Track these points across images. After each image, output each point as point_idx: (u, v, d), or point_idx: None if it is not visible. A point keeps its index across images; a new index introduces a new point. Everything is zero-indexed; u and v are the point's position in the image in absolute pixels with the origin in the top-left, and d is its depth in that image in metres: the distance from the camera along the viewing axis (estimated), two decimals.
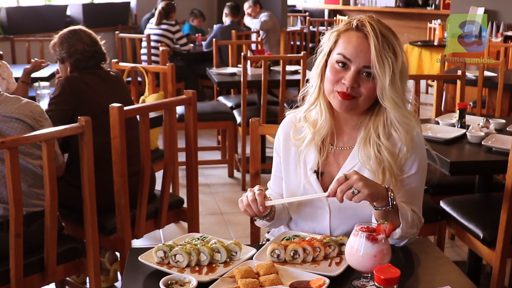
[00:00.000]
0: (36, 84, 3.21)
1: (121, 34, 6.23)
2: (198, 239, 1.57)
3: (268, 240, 1.79)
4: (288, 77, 4.39)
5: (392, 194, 1.44)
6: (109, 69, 2.84)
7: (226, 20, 6.75)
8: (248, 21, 6.97)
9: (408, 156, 1.58)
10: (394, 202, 1.44)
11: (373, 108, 1.59)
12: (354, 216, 1.60)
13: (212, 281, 1.37)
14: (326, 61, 1.58)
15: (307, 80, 1.67)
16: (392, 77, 1.49)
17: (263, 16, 6.91)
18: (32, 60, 3.58)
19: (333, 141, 1.65)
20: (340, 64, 1.53)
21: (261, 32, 6.74)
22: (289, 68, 4.71)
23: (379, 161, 1.56)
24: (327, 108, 1.61)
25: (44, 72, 4.63)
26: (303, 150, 1.65)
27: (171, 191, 2.78)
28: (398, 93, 1.52)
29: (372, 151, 1.56)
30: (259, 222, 1.67)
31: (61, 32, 2.72)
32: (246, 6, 7.07)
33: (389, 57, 1.49)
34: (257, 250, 1.52)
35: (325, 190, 1.62)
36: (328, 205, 1.64)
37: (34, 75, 3.89)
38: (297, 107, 1.74)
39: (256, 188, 1.53)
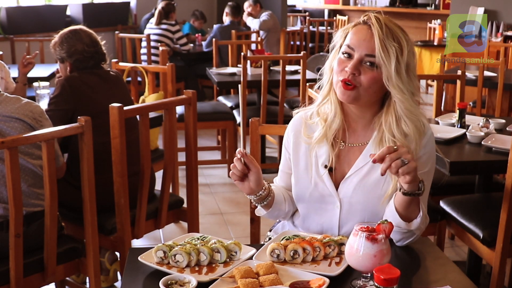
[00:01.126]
0: (36, 84, 3.21)
1: (121, 34, 6.23)
2: (198, 239, 1.57)
3: (270, 238, 1.79)
4: (288, 77, 4.39)
5: (421, 179, 1.45)
6: (109, 69, 2.84)
7: (226, 20, 6.75)
8: (249, 21, 6.97)
9: (422, 154, 1.60)
10: (423, 189, 1.46)
11: (382, 106, 1.61)
12: (364, 211, 1.62)
13: (212, 281, 1.37)
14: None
15: (320, 77, 1.70)
16: (397, 65, 1.52)
17: (264, 16, 6.91)
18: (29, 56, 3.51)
19: (345, 138, 1.67)
20: (345, 54, 1.57)
21: (261, 32, 6.74)
22: (289, 68, 4.71)
23: None
24: (337, 103, 1.64)
25: (44, 72, 4.64)
26: (314, 146, 1.67)
27: (171, 191, 2.78)
28: (404, 82, 1.54)
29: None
30: (258, 211, 1.72)
31: (61, 32, 2.72)
32: (246, 5, 7.06)
33: (393, 46, 1.52)
34: (257, 250, 1.52)
35: (336, 186, 1.65)
36: (339, 200, 1.65)
37: (34, 74, 3.89)
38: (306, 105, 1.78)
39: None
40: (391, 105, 1.58)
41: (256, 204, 1.70)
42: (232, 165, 1.57)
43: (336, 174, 1.66)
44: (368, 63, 1.54)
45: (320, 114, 1.68)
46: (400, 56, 1.52)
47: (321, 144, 1.66)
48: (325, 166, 1.66)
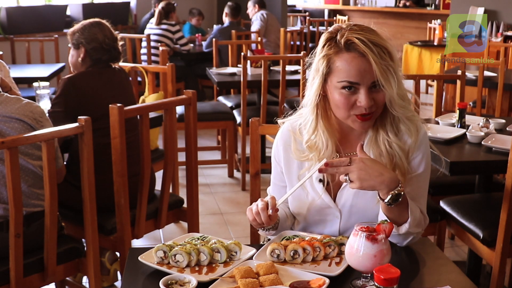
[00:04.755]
0: (35, 84, 3.21)
1: (121, 34, 6.19)
2: (198, 239, 1.57)
3: (269, 239, 1.79)
4: (288, 77, 4.39)
5: (393, 193, 1.42)
6: (115, 67, 2.82)
7: (226, 20, 6.75)
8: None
9: (416, 154, 1.59)
10: (388, 201, 1.43)
11: None
12: (364, 218, 1.60)
13: (212, 281, 1.37)
14: (323, 88, 1.55)
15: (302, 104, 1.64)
16: (398, 84, 1.49)
17: (257, 19, 6.93)
18: None
19: (339, 149, 1.64)
20: (347, 89, 1.50)
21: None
22: (289, 68, 4.71)
23: (391, 157, 1.56)
24: (327, 133, 1.59)
25: (44, 72, 4.64)
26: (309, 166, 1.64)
27: (171, 191, 2.78)
28: (404, 93, 1.52)
29: (383, 147, 1.57)
30: (262, 232, 1.68)
31: (83, 21, 2.73)
32: (248, 5, 7.12)
33: (390, 66, 1.48)
34: (257, 250, 1.52)
35: (333, 196, 1.64)
36: (339, 211, 1.64)
37: (34, 74, 3.88)
38: (290, 115, 1.73)
39: (267, 197, 1.53)
40: (388, 110, 1.55)
41: (259, 229, 1.66)
42: (255, 211, 1.51)
43: (332, 184, 1.64)
44: (373, 87, 1.50)
45: (311, 148, 1.61)
46: (395, 68, 1.49)
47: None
48: (320, 180, 1.64)
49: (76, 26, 2.71)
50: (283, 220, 1.68)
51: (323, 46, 1.53)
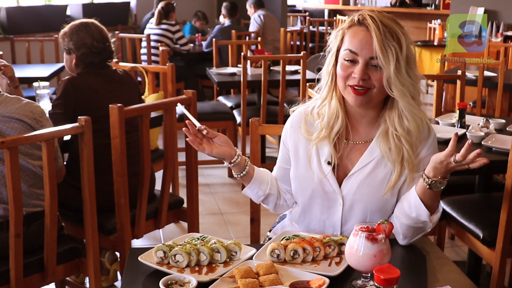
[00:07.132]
0: (36, 84, 3.20)
1: (121, 34, 6.23)
2: (198, 239, 1.57)
3: (270, 238, 1.79)
4: (288, 77, 4.39)
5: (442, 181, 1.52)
6: (116, 68, 2.81)
7: (225, 21, 6.74)
8: None
9: (427, 153, 1.62)
10: (430, 184, 1.50)
11: (387, 102, 1.62)
12: (366, 208, 1.63)
13: (212, 281, 1.37)
14: (336, 60, 1.62)
15: (318, 80, 1.70)
16: (397, 65, 1.52)
17: (253, 19, 6.92)
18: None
19: (348, 136, 1.67)
20: (348, 59, 1.56)
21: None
22: (289, 68, 4.71)
23: (399, 151, 1.60)
24: (339, 104, 1.64)
25: (44, 72, 4.64)
26: (316, 144, 1.67)
27: (171, 191, 2.78)
28: (405, 81, 1.55)
29: (392, 141, 1.60)
30: (245, 191, 1.76)
31: (72, 23, 2.69)
32: (247, 6, 7.12)
33: (392, 46, 1.52)
34: (257, 250, 1.52)
35: (339, 182, 1.66)
36: (342, 197, 1.65)
37: (34, 74, 3.87)
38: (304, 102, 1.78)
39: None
40: (394, 101, 1.59)
41: (236, 176, 1.70)
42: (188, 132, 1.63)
43: (339, 171, 1.66)
44: (373, 65, 1.54)
45: (320, 115, 1.67)
46: (399, 54, 1.53)
47: (324, 141, 1.66)
48: (328, 163, 1.65)
49: (65, 29, 2.68)
50: (260, 178, 1.74)
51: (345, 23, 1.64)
